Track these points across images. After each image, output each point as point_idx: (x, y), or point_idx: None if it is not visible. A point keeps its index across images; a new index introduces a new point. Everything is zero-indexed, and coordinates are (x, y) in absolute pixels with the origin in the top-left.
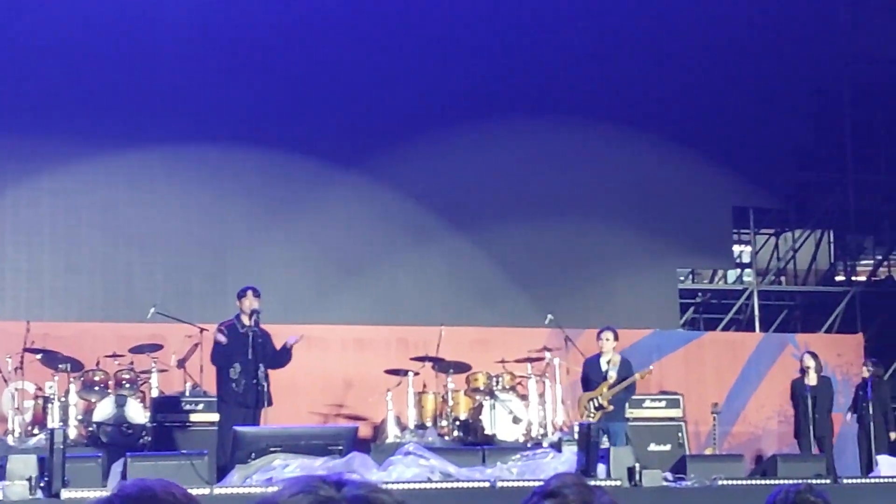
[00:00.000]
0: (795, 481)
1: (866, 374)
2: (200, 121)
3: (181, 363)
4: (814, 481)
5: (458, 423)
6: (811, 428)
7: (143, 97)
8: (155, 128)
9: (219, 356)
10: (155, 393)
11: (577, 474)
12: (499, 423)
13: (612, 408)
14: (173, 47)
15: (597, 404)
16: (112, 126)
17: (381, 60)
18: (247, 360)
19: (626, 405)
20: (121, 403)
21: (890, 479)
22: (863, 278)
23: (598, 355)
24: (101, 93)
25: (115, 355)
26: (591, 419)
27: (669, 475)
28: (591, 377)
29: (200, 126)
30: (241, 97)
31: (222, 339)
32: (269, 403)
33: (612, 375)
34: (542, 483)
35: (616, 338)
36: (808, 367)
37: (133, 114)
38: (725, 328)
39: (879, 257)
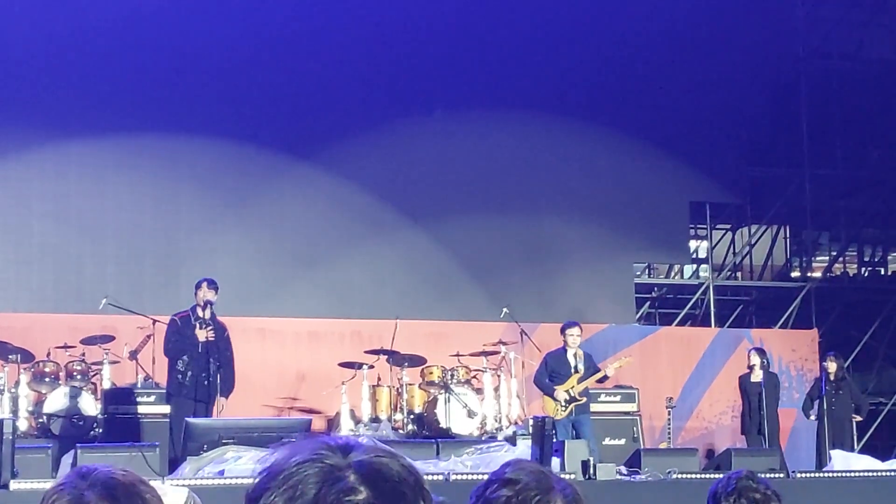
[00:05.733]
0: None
1: (832, 370)
2: (153, 110)
3: (133, 355)
4: (766, 474)
5: (412, 416)
6: (761, 423)
7: (94, 86)
8: (106, 117)
9: (171, 348)
10: (107, 384)
11: (532, 461)
12: (453, 416)
13: (584, 399)
14: (124, 36)
15: (568, 397)
16: (63, 115)
17: (337, 51)
18: (196, 352)
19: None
20: (72, 395)
21: (841, 474)
22: (818, 274)
23: (563, 349)
24: (51, 82)
25: (66, 346)
26: (562, 412)
27: (624, 469)
28: (558, 370)
29: (153, 115)
30: (194, 87)
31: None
32: (226, 393)
33: (581, 368)
34: (496, 471)
35: (581, 332)
36: (754, 364)
37: (84, 103)
38: (681, 323)
39: (835, 253)
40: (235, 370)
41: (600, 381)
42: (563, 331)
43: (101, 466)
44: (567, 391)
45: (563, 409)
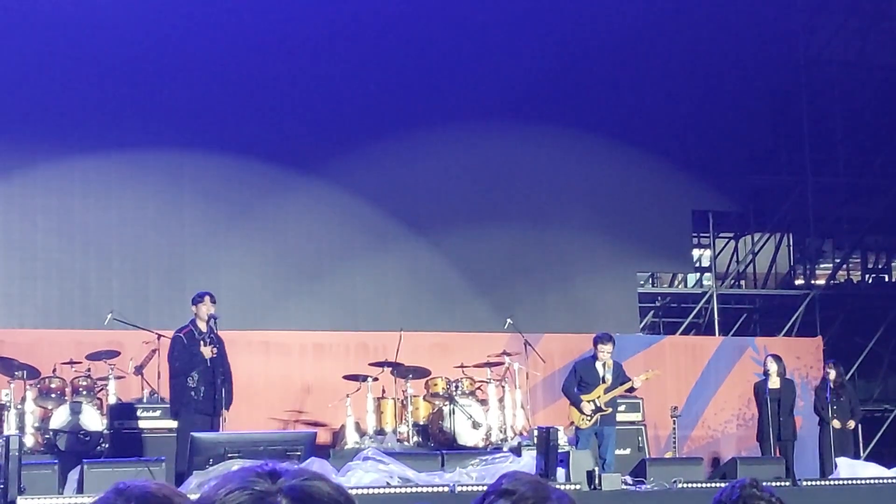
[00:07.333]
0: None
1: (831, 377)
2: (156, 125)
3: (139, 370)
4: (773, 483)
5: (417, 428)
6: (776, 430)
7: (98, 102)
8: (111, 133)
9: (179, 366)
10: (112, 400)
11: (530, 473)
12: (458, 427)
13: (609, 410)
14: (127, 52)
15: (594, 407)
16: (68, 131)
17: (338, 65)
18: (205, 367)
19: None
20: (77, 410)
21: (848, 481)
22: (822, 282)
23: (593, 358)
24: (56, 98)
25: (71, 362)
26: (586, 421)
27: (629, 479)
28: (585, 379)
29: (156, 130)
30: (198, 102)
31: None
32: (228, 405)
33: (609, 378)
34: (493, 483)
35: (613, 348)
36: (771, 371)
37: (88, 119)
38: (685, 332)
39: (838, 261)
40: (238, 383)
41: (628, 391)
42: (595, 343)
43: (137, 482)
44: (593, 401)
45: (588, 418)
